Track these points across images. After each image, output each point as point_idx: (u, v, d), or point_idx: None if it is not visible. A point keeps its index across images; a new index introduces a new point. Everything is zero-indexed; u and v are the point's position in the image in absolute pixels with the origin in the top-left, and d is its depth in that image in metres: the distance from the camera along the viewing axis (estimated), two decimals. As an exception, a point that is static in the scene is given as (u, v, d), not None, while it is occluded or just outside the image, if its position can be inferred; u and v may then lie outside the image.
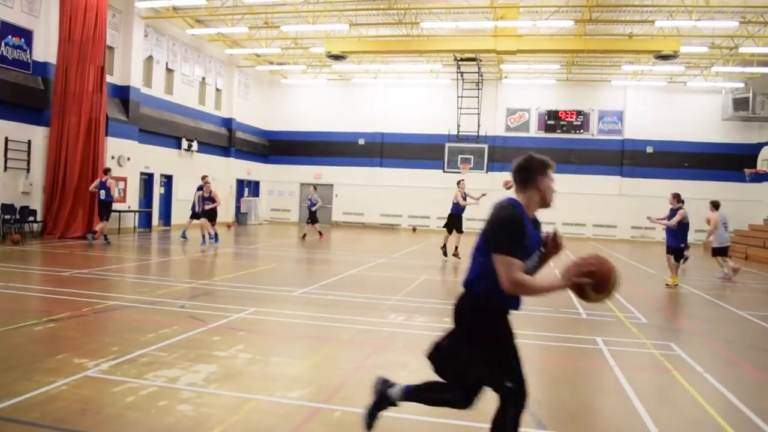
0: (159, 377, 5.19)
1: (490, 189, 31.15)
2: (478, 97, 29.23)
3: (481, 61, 27.49)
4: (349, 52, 24.77)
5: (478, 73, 28.55)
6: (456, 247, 15.97)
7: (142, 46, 22.25)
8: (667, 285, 12.71)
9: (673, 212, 12.51)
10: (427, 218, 32.42)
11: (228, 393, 4.88)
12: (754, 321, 9.29)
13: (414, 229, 31.84)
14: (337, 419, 4.50)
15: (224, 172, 29.05)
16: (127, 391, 4.80)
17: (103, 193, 16.89)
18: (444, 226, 16.94)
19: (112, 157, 20.16)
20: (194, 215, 19.48)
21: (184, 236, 19.36)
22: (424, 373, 5.83)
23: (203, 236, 18.31)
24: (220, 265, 14.39)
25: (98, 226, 16.97)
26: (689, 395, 5.39)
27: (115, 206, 20.38)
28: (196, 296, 9.26)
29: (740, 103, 27.90)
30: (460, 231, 16.12)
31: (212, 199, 18.56)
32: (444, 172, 29.12)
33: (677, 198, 12.66)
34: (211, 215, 18.52)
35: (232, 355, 6.02)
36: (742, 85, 28.03)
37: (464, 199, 16.30)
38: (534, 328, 8.16)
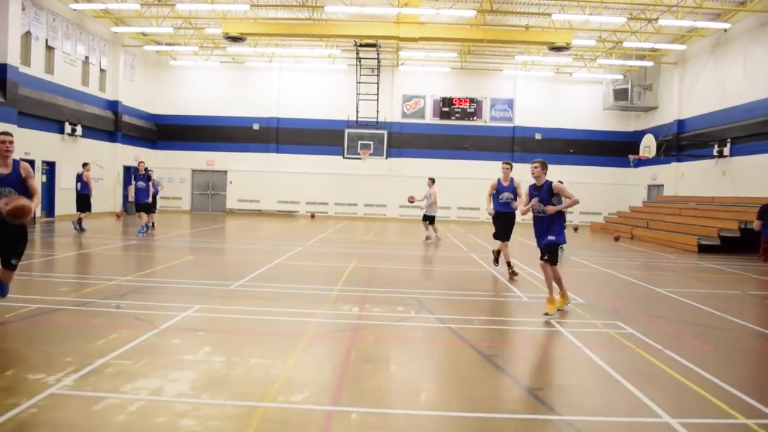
0: (139, 389, 4.69)
1: (388, 174, 31.70)
2: (377, 83, 29.25)
3: (380, 47, 27.49)
4: (249, 34, 23.87)
5: (377, 59, 28.55)
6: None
7: (19, 20, 20.15)
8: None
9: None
10: (326, 204, 32.18)
11: (227, 402, 4.50)
12: (672, 297, 9.98)
13: (312, 216, 31.47)
14: (357, 421, 4.27)
15: (110, 159, 27.16)
16: (111, 408, 4.29)
17: (79, 185, 18.07)
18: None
19: (-12, 143, 18.17)
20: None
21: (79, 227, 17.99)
22: (413, 366, 5.74)
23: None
24: (132, 258, 13.41)
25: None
26: (664, 372, 5.64)
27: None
28: (126, 294, 8.51)
29: (620, 94, 29.98)
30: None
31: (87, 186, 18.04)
32: (344, 158, 28.94)
33: (432, 180, 18.69)
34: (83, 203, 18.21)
35: (204, 358, 5.57)
36: (621, 77, 30.09)
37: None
38: (484, 313, 8.27)
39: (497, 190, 11.25)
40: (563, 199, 8.25)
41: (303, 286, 9.80)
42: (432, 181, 18.99)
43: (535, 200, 8.21)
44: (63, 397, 4.49)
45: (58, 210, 23.02)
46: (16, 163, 6.47)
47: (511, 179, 11.26)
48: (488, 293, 10.03)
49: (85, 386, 4.72)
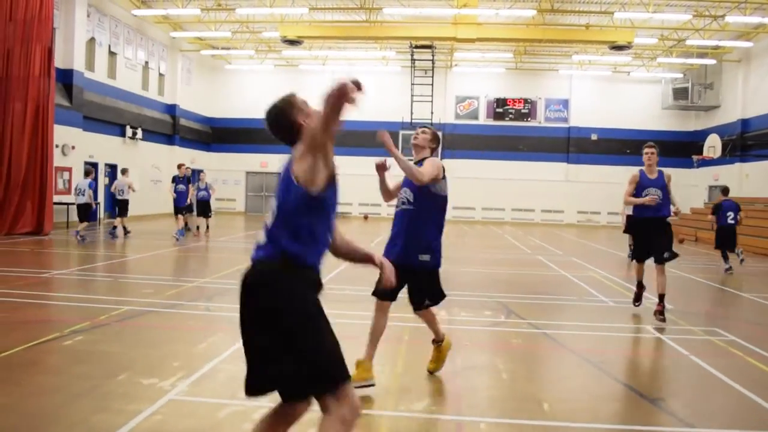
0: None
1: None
2: (431, 84, 29.08)
3: (436, 48, 27.31)
4: (306, 37, 23.99)
5: (431, 60, 28.37)
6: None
7: (84, 27, 20.66)
8: None
9: None
10: (378, 206, 32.06)
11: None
12: (762, 302, 9.52)
13: (366, 217, 31.46)
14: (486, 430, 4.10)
15: (168, 161, 27.60)
16: (235, 415, 4.21)
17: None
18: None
19: (56, 146, 18.66)
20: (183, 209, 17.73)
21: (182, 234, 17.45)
22: (523, 373, 5.52)
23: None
24: (201, 260, 13.55)
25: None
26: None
27: (62, 199, 19.06)
28: (211, 296, 8.54)
29: (679, 93, 29.12)
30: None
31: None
32: (398, 159, 28.79)
33: None
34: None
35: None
36: (681, 75, 29.22)
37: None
38: (574, 318, 7.99)
39: (639, 186, 7.85)
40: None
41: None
42: None
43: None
44: (183, 403, 4.44)
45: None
46: None
47: (660, 171, 7.85)
48: (570, 297, 9.73)
49: (201, 392, 4.67)
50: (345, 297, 8.94)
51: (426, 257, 4.94)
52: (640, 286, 8.26)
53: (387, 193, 5.30)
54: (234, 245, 16.66)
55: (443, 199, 5.05)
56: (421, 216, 4.96)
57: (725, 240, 13.91)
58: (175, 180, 17.82)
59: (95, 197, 16.53)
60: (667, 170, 7.94)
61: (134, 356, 5.61)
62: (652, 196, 7.51)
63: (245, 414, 4.24)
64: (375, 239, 19.47)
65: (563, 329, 7.31)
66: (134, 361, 5.42)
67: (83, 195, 15.90)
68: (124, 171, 17.91)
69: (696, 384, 5.46)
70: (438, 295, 5.18)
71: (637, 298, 8.32)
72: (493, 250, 17.41)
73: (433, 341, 5.29)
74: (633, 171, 8.03)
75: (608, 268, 13.20)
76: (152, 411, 4.23)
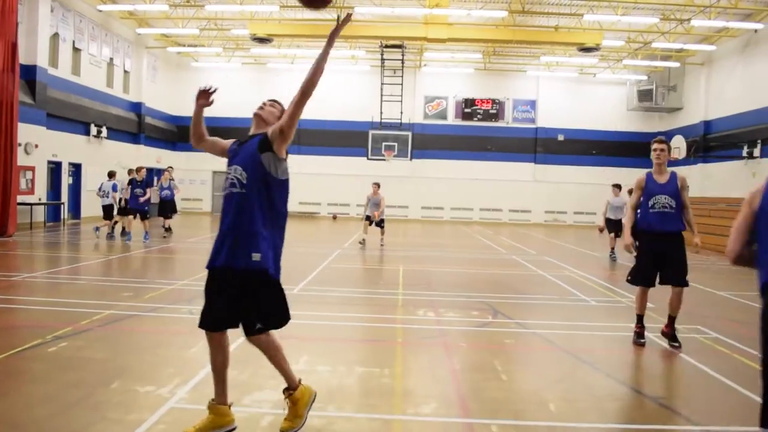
0: (260, 402, 4.50)
1: (410, 176, 31.52)
2: (401, 84, 29.08)
3: (406, 48, 27.32)
4: (276, 35, 23.73)
5: (401, 60, 28.37)
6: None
7: (48, 21, 20.03)
8: None
9: None
10: (347, 206, 31.96)
11: (356, 415, 4.30)
12: (737, 300, 9.75)
13: (334, 217, 31.29)
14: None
15: (133, 160, 26.95)
16: (243, 422, 4.08)
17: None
18: None
19: (20, 145, 18.02)
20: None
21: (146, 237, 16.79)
22: (523, 374, 5.48)
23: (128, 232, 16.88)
24: (175, 262, 13.24)
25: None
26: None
27: (25, 199, 18.48)
28: (191, 299, 8.33)
29: (644, 95, 29.74)
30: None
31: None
32: (368, 159, 28.75)
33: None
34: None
35: (308, 368, 5.36)
36: (645, 77, 29.85)
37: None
38: (560, 318, 8.03)
39: (647, 193, 6.37)
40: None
41: (366, 290, 9.61)
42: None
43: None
44: (185, 411, 4.30)
45: (84, 212, 22.88)
46: None
47: (672, 174, 6.38)
48: (552, 296, 9.78)
49: (202, 398, 4.49)
50: (329, 299, 8.85)
51: (257, 257, 3.61)
52: (641, 324, 6.63)
53: (199, 137, 4.17)
54: (203, 246, 16.34)
55: (285, 185, 3.81)
56: (254, 203, 3.67)
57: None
58: (132, 183, 16.61)
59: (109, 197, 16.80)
60: (680, 171, 6.80)
61: (125, 362, 5.42)
62: (627, 244, 6.61)
63: (252, 420, 4.13)
64: (347, 240, 19.38)
65: (551, 329, 7.34)
66: (126, 368, 5.23)
67: (107, 197, 16.53)
68: (112, 174, 17.18)
69: (692, 382, 5.54)
70: (274, 315, 3.75)
71: (640, 335, 6.64)
72: (468, 250, 17.49)
73: (285, 390, 3.88)
74: (639, 174, 6.63)
75: (583, 268, 13.37)
76: (155, 420, 4.09)
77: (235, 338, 6.03)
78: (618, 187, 15.84)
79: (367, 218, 17.35)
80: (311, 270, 11.70)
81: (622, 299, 9.45)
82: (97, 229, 16.81)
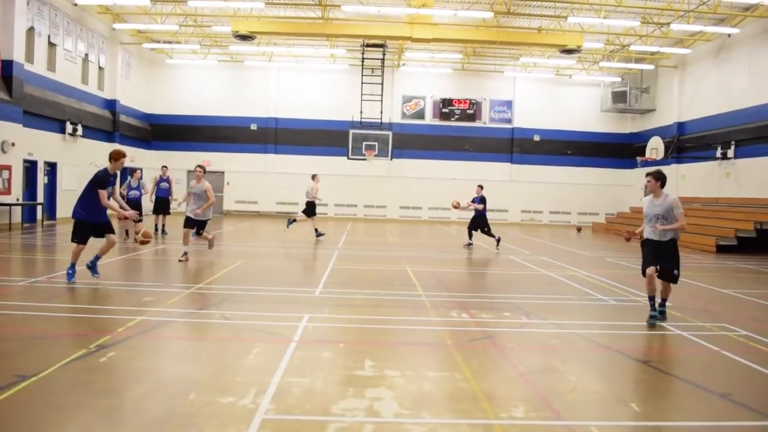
0: (351, 411, 4.39)
1: (388, 176, 31.52)
2: (381, 83, 29.05)
3: (387, 47, 27.29)
4: (259, 32, 23.40)
5: (381, 59, 28.32)
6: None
7: (24, 15, 19.35)
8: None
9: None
10: (325, 206, 31.71)
11: (456, 421, 4.25)
12: (743, 297, 10.02)
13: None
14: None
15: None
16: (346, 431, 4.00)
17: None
18: None
19: (-5, 143, 17.42)
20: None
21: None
22: (589, 375, 5.52)
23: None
24: (181, 264, 12.92)
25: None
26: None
27: (2, 199, 17.83)
28: (219, 303, 8.15)
29: (618, 96, 30.40)
30: None
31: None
32: (349, 158, 28.63)
33: (481, 187, 18.14)
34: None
35: (376, 373, 5.28)
36: (619, 79, 30.48)
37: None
38: (588, 317, 8.12)
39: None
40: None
41: (387, 292, 9.52)
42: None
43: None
44: (279, 422, 4.17)
45: (60, 212, 22.18)
46: None
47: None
48: (570, 296, 9.87)
49: (291, 409, 4.40)
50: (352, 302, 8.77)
51: None
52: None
53: None
54: (199, 247, 16.00)
55: None
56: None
57: (472, 223, 17.90)
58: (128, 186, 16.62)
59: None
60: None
61: (186, 372, 5.25)
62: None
63: (353, 429, 4.04)
64: (339, 241, 19.28)
65: (588, 328, 7.42)
66: (192, 378, 5.06)
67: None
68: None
69: (750, 378, 5.63)
70: None
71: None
72: (460, 250, 17.55)
73: None
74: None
75: (586, 267, 13.55)
76: (250, 434, 3.96)
77: (291, 347, 5.96)
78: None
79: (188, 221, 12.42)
80: (321, 272, 11.58)
81: (638, 299, 9.60)
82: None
